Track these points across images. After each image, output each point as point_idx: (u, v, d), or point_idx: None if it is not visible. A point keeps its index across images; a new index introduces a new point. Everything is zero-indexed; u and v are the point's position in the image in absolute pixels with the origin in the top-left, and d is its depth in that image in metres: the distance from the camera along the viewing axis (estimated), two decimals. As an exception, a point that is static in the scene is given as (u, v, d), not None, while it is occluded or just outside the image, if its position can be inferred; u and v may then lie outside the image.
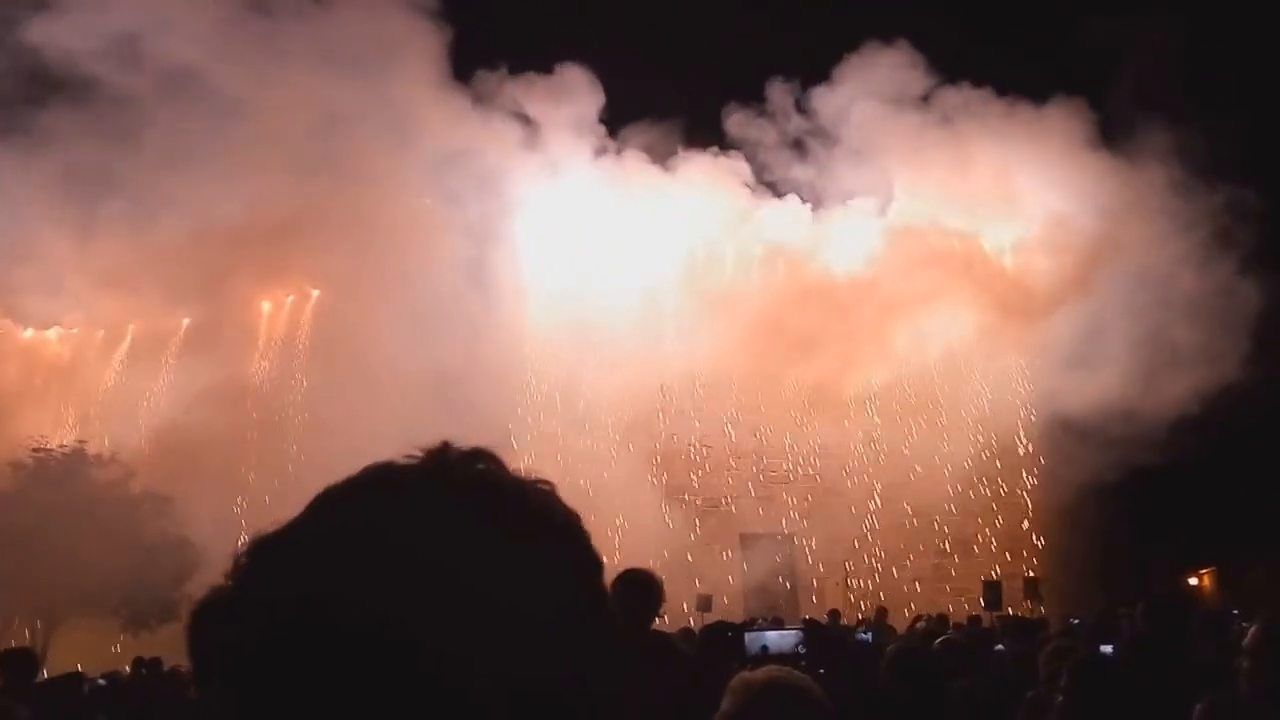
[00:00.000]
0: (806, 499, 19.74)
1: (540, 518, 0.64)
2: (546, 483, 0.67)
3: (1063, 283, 19.52)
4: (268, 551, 0.61)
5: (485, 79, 19.29)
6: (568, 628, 0.61)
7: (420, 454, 0.66)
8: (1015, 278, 20.18)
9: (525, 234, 19.75)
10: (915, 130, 19.92)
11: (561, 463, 18.72)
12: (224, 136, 16.86)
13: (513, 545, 0.62)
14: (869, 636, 9.26)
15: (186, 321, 20.20)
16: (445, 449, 0.66)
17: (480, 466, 0.66)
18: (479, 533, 0.62)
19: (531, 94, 19.34)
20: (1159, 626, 4.73)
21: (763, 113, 20.18)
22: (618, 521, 18.35)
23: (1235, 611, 8.33)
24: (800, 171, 20.34)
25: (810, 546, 19.61)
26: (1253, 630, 2.83)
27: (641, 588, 3.96)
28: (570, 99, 19.44)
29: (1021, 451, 20.29)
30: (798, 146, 20.35)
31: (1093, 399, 17.77)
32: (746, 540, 19.35)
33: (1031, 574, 18.82)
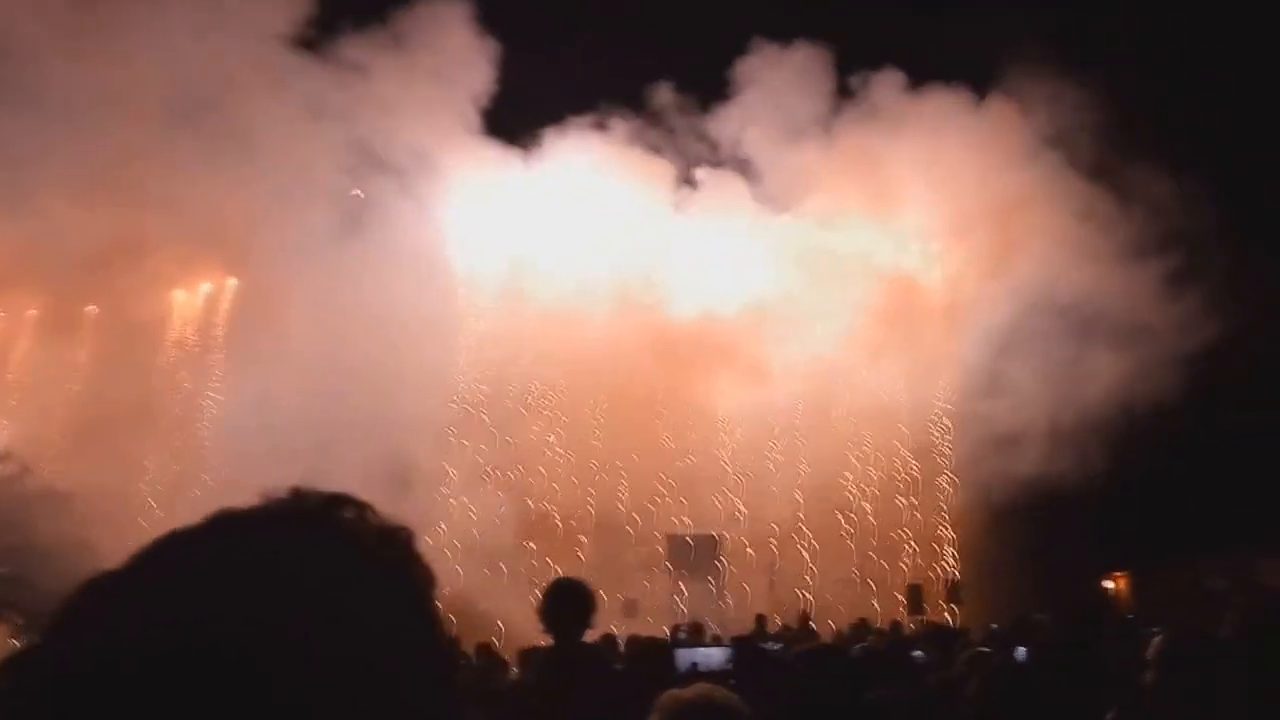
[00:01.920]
0: (728, 506, 19.96)
1: (387, 574, 0.65)
2: (405, 532, 0.68)
3: (969, 286, 19.98)
4: (103, 594, 0.61)
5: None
6: (398, 686, 0.63)
7: (277, 498, 0.68)
8: (917, 281, 20.65)
9: (461, 222, 19.58)
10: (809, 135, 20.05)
11: (495, 455, 18.75)
12: (132, 119, 16.35)
13: (351, 599, 0.63)
14: (776, 646, 9.39)
15: (92, 309, 19.71)
16: (299, 496, 0.68)
17: (338, 513, 0.67)
18: (320, 585, 0.63)
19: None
20: (1073, 634, 4.95)
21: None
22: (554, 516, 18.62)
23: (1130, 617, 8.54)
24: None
25: (737, 548, 19.79)
26: (1155, 641, 2.94)
27: (572, 597, 4.01)
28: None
29: (944, 454, 20.75)
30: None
31: (1008, 404, 18.16)
32: (673, 542, 19.41)
33: (954, 577, 19.37)
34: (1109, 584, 19.49)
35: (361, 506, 0.69)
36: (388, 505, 0.70)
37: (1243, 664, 2.71)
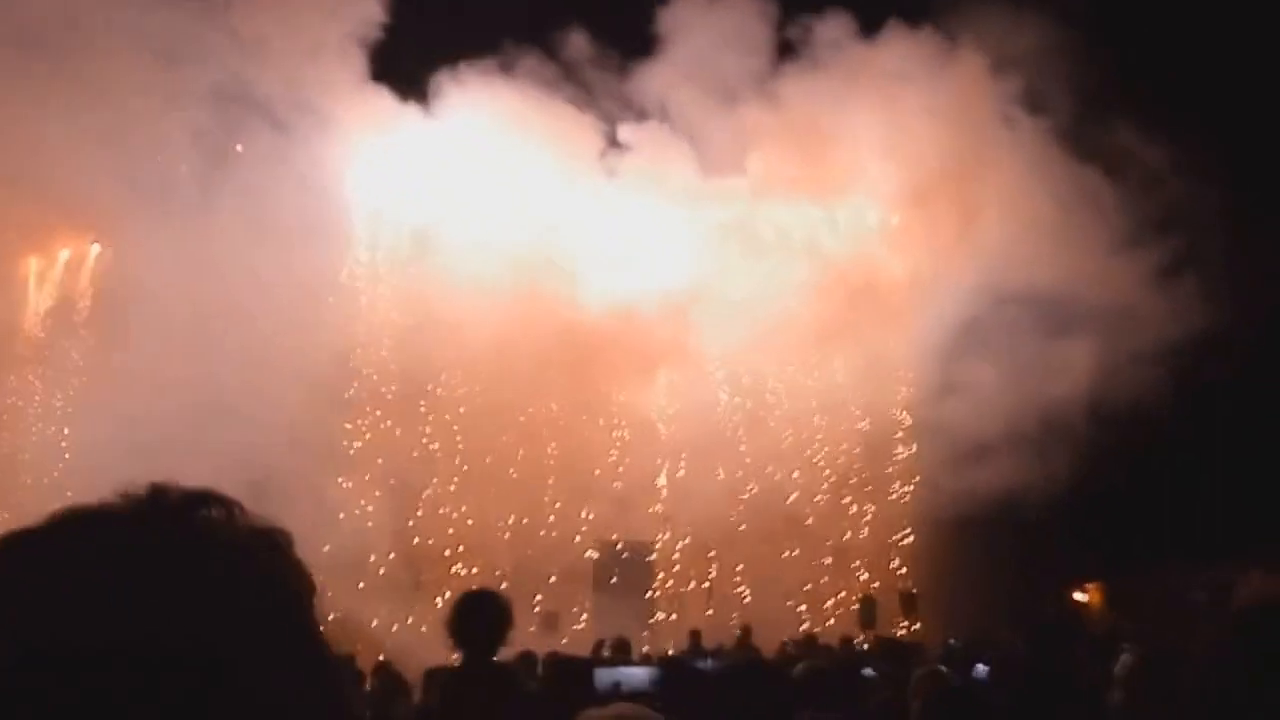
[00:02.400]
0: (662, 511, 20.14)
1: (258, 581, 0.66)
2: (281, 535, 0.69)
3: (929, 265, 20.24)
4: None
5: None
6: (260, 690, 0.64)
7: (133, 495, 0.68)
8: (872, 260, 20.83)
9: (352, 183, 19.37)
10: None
11: (398, 444, 18.72)
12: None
13: (215, 609, 0.64)
14: (709, 663, 9.49)
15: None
16: (158, 493, 0.68)
17: (203, 512, 0.68)
18: (178, 593, 0.63)
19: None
20: (1038, 650, 5.04)
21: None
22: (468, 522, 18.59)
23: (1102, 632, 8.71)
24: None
25: (671, 558, 20.05)
26: (1124, 659, 3.03)
27: (484, 612, 4.07)
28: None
29: (900, 455, 21.11)
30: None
31: (972, 402, 18.41)
32: (602, 546, 19.62)
33: (910, 588, 19.71)
34: (1080, 595, 19.95)
35: (229, 505, 0.69)
36: (262, 506, 0.70)
37: (1216, 683, 2.78)
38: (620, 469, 19.83)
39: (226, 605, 0.65)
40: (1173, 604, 16.62)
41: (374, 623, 16.14)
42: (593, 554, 19.47)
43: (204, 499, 0.69)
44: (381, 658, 11.99)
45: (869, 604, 18.63)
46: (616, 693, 5.93)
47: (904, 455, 21.05)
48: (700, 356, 19.83)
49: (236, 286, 16.31)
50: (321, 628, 0.71)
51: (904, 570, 20.56)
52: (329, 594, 15.72)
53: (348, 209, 19.25)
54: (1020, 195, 19.15)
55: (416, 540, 18.53)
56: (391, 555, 17.92)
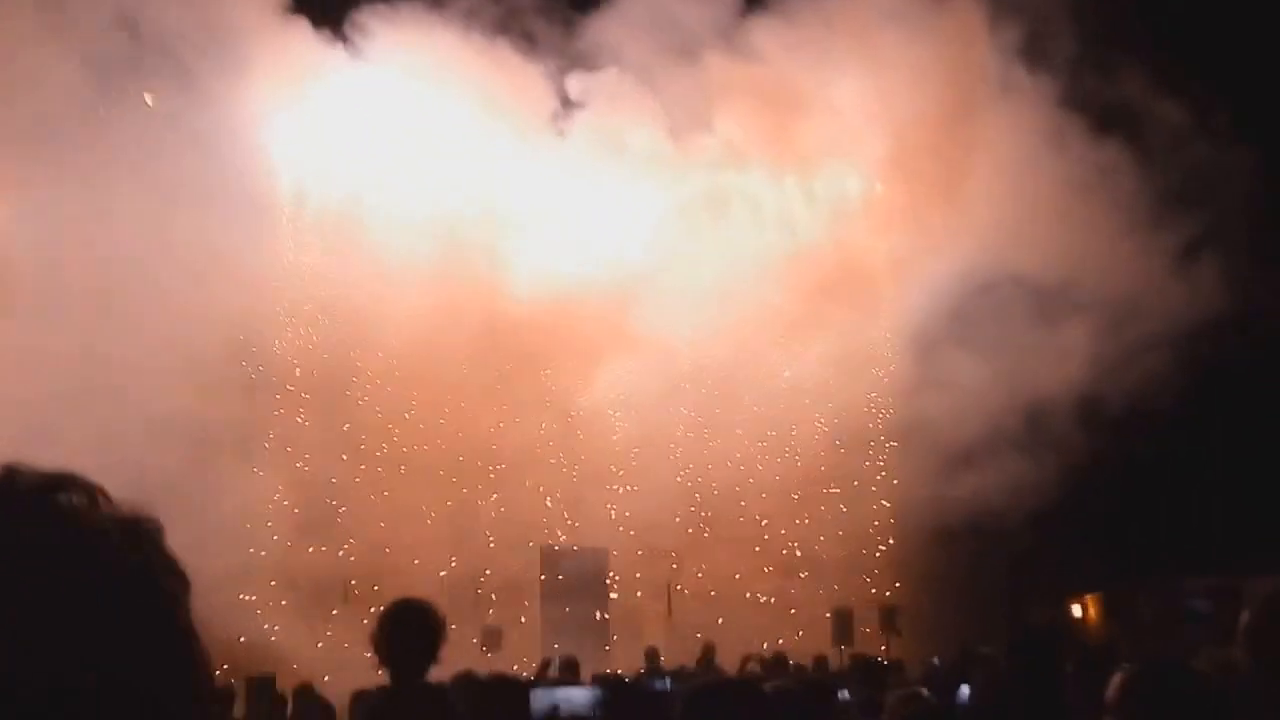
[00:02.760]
0: (627, 504, 20.08)
1: (122, 575, 0.67)
2: (150, 524, 0.70)
3: (912, 240, 20.32)
4: None
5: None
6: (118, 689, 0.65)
7: None
8: (854, 237, 20.97)
9: (285, 138, 19.26)
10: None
11: (317, 438, 18.60)
12: None
13: (73, 604, 0.65)
14: (668, 684, 9.51)
15: None
16: (11, 474, 0.69)
17: (61, 498, 0.68)
18: (29, 586, 0.64)
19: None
20: (1024, 668, 5.09)
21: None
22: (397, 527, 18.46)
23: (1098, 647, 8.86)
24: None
25: (628, 565, 20.03)
26: (1116, 680, 3.04)
27: (414, 626, 4.03)
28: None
29: (879, 459, 21.25)
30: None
31: (958, 397, 18.57)
32: (550, 555, 19.56)
33: (887, 601, 19.74)
34: (1076, 608, 20.19)
35: (93, 491, 0.70)
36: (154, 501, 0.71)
37: (1226, 699, 2.82)
38: (570, 468, 19.91)
39: (83, 600, 0.66)
40: (1177, 616, 17.26)
41: (274, 639, 16.13)
42: (540, 562, 19.43)
43: (61, 483, 0.69)
44: (304, 679, 11.91)
45: (844, 618, 18.66)
46: (554, 716, 5.94)
47: (883, 455, 21.22)
48: (658, 343, 19.79)
49: (134, 253, 16.09)
50: (196, 629, 0.72)
51: (883, 581, 20.74)
52: (240, 605, 16.13)
53: (265, 168, 19.05)
54: (1019, 163, 19.18)
55: (344, 551, 18.41)
56: (311, 549, 17.86)
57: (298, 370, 18.92)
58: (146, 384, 15.12)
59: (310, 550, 17.90)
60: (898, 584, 20.61)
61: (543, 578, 19.36)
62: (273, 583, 17.44)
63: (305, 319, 19.06)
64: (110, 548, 0.69)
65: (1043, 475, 17.61)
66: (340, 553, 18.28)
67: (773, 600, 20.31)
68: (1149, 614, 18.20)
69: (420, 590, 14.32)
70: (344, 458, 18.64)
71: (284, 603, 16.94)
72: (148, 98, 17.56)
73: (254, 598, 16.96)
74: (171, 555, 0.72)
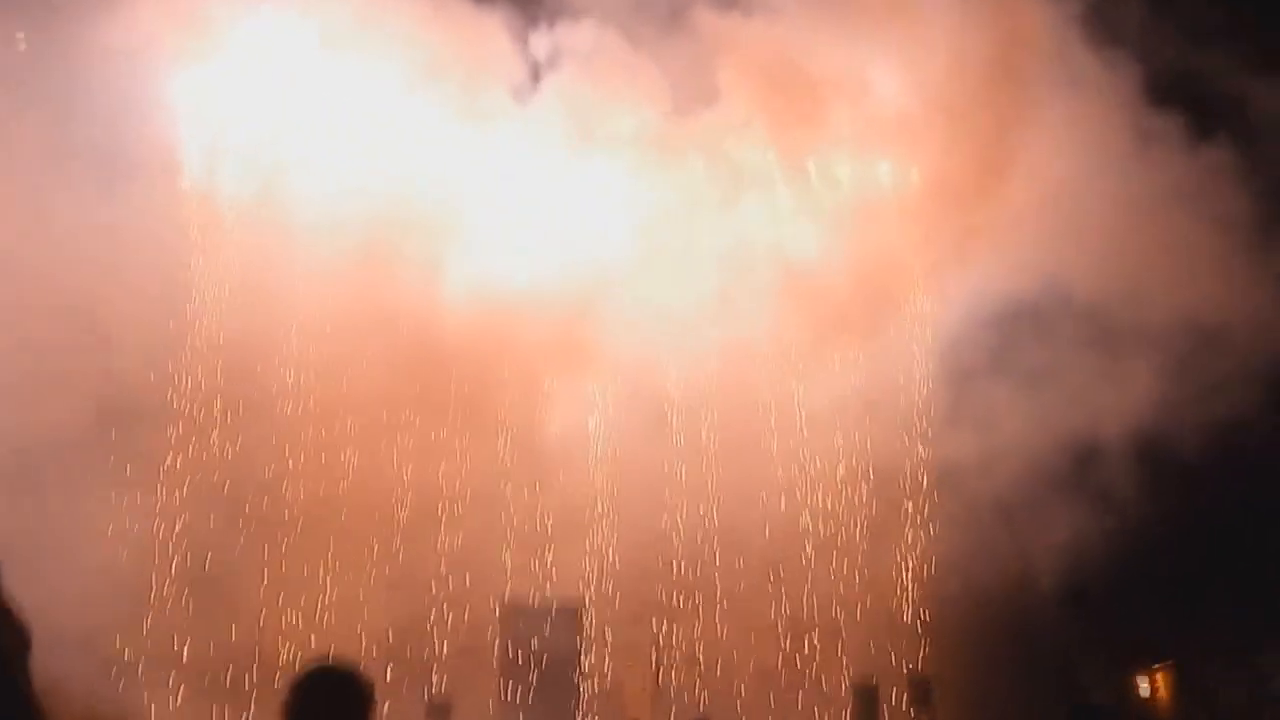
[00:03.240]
0: (605, 552, 19.79)
1: None
2: None
3: (963, 245, 19.85)
4: None
5: None
6: None
7: None
8: (886, 236, 20.59)
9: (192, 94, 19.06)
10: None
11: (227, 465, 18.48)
12: None
13: None
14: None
15: None
16: None
17: None
18: None
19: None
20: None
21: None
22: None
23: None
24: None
25: (606, 625, 19.63)
26: None
27: (335, 695, 3.87)
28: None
29: (909, 507, 20.74)
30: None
31: (1006, 435, 18.37)
32: (511, 613, 19.24)
33: (919, 673, 19.48)
34: (1143, 684, 20.02)
35: None
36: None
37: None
38: (536, 509, 19.55)
39: None
40: (1255, 693, 17.62)
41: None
42: (499, 621, 19.22)
43: None
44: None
45: (868, 693, 18.67)
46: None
47: (915, 501, 20.72)
48: (642, 362, 19.64)
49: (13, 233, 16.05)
50: (35, 694, 0.73)
51: (914, 648, 20.22)
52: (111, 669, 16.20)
53: (173, 138, 18.88)
54: (1082, 157, 18.90)
55: (262, 617, 18.12)
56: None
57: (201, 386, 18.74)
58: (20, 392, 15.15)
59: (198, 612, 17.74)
60: (931, 653, 20.10)
61: (502, 640, 19.15)
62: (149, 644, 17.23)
63: (208, 332, 18.94)
64: None
65: (1103, 529, 17.73)
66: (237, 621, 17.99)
67: (782, 670, 19.89)
68: (1226, 692, 18.30)
69: (354, 655, 14.88)
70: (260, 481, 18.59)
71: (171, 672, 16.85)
72: (20, 39, 17.72)
73: (131, 658, 16.91)
74: (10, 607, 0.62)
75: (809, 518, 20.39)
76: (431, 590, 18.92)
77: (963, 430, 19.28)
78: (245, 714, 16.88)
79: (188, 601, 17.75)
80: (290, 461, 18.73)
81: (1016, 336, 18.73)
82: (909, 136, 20.21)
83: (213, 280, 19.01)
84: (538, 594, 19.54)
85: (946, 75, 19.62)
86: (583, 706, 19.11)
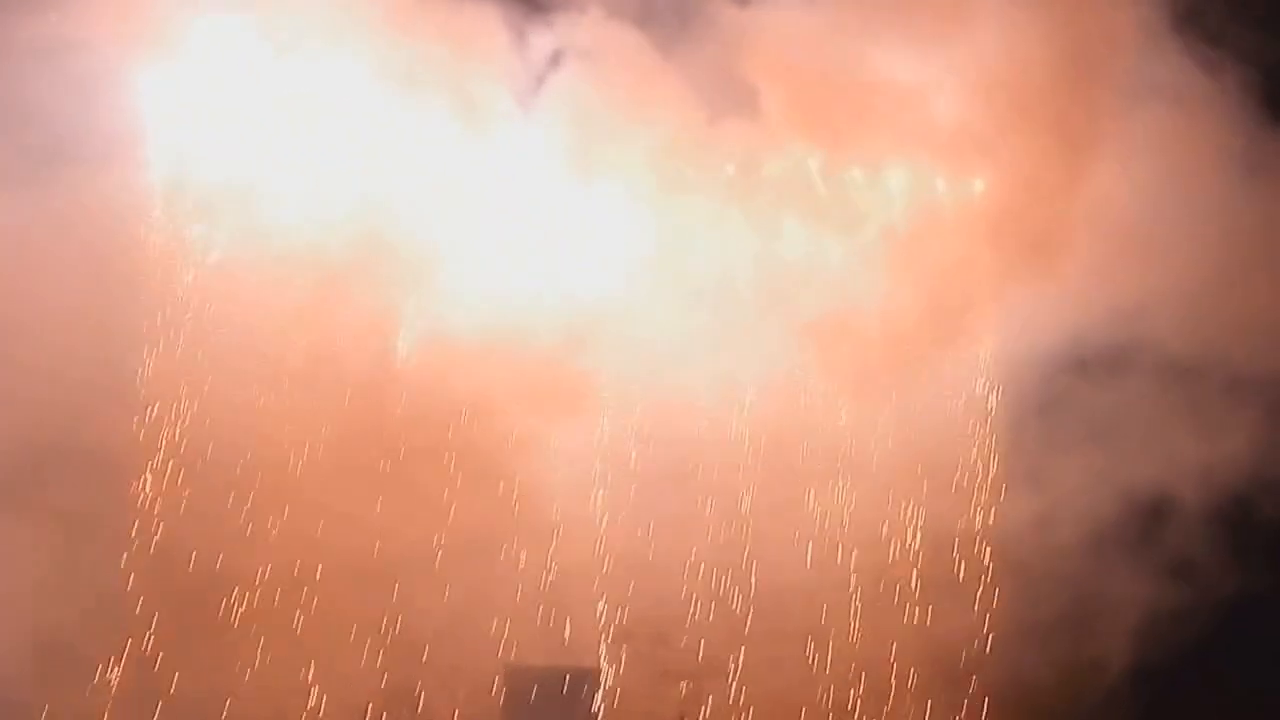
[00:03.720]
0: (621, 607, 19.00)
1: None
2: None
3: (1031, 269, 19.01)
4: None
5: None
6: None
7: None
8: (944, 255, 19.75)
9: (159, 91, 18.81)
10: None
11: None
12: None
13: None
14: None
15: None
16: None
17: None
18: None
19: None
20: None
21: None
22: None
23: None
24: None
25: (625, 690, 18.66)
26: None
27: None
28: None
29: (962, 567, 20.00)
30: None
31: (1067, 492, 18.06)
32: (516, 677, 18.23)
33: None
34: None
35: None
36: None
37: None
38: (543, 557, 18.89)
39: None
40: None
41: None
42: (502, 688, 18.23)
43: None
44: None
45: None
46: None
47: (978, 560, 20.00)
48: (673, 388, 19.16)
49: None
50: None
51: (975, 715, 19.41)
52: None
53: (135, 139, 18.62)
54: (1173, 172, 18.09)
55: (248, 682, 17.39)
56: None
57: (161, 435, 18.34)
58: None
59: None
60: None
61: (506, 708, 18.23)
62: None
63: (188, 349, 18.75)
64: None
65: (1188, 602, 17.10)
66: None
67: None
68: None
69: None
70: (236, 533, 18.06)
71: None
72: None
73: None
74: None
75: (858, 569, 19.58)
76: (424, 651, 18.04)
77: (1025, 487, 18.82)
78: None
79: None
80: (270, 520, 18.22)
81: (1089, 382, 18.29)
82: (968, 150, 19.39)
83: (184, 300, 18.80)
84: (547, 655, 18.55)
85: (1021, 74, 18.72)
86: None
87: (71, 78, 17.25)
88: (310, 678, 17.30)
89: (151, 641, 17.14)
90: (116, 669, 16.86)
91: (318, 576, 17.92)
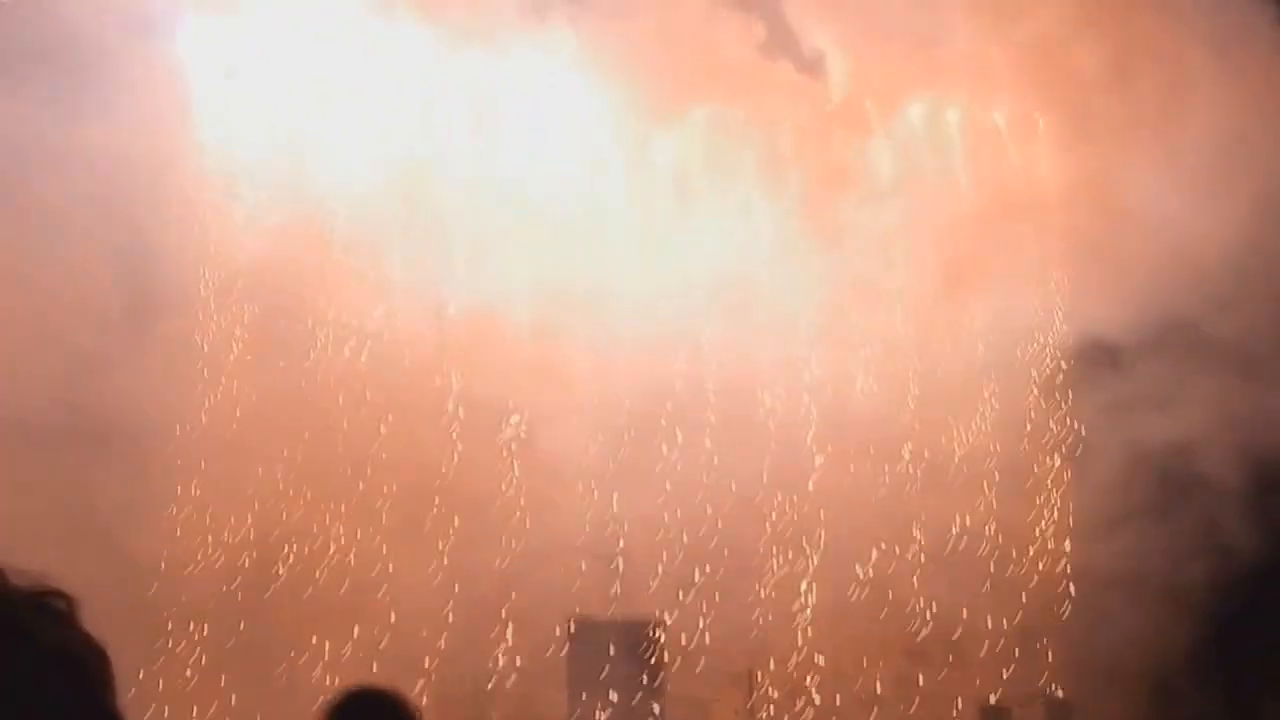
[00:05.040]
0: (693, 563, 18.71)
1: (27, 648, 0.88)
2: (63, 601, 0.94)
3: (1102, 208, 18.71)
4: None
5: None
6: None
7: None
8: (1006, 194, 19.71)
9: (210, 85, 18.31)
10: None
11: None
12: None
13: None
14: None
15: None
16: None
17: None
18: None
19: None
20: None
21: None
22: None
23: None
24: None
25: (695, 643, 18.63)
26: None
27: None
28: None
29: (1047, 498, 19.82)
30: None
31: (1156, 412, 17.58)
32: (583, 630, 18.23)
33: (1058, 692, 18.86)
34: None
35: None
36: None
37: None
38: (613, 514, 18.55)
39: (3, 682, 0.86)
40: None
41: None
42: (568, 640, 18.21)
43: None
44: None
45: (997, 717, 18.17)
46: None
47: (1053, 492, 19.79)
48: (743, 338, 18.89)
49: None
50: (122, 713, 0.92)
51: (1051, 666, 19.35)
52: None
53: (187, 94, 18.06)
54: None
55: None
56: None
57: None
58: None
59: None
60: (1073, 673, 19.23)
61: (572, 660, 18.24)
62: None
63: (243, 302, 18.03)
64: (27, 625, 0.89)
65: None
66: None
67: (896, 693, 18.99)
68: None
69: (402, 683, 12.86)
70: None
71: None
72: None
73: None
74: (88, 632, 0.93)
75: (925, 516, 19.26)
76: (490, 604, 18.06)
77: (1109, 413, 18.31)
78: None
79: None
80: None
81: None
82: (1035, 74, 18.99)
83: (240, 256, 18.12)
84: (613, 607, 18.72)
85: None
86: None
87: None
88: (376, 633, 17.25)
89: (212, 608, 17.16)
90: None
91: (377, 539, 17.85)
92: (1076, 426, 19.46)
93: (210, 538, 17.07)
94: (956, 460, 19.40)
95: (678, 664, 18.44)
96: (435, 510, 17.99)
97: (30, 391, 14.83)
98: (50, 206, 15.77)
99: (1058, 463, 19.72)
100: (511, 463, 18.28)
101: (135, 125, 16.43)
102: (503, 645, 17.89)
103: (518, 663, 17.89)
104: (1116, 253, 18.08)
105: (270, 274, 17.84)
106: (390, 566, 17.57)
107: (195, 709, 16.77)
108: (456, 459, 18.13)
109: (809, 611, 18.76)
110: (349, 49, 18.12)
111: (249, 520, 17.37)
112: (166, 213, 17.22)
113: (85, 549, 15.11)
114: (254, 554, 17.33)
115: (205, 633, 16.78)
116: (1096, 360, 18.63)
